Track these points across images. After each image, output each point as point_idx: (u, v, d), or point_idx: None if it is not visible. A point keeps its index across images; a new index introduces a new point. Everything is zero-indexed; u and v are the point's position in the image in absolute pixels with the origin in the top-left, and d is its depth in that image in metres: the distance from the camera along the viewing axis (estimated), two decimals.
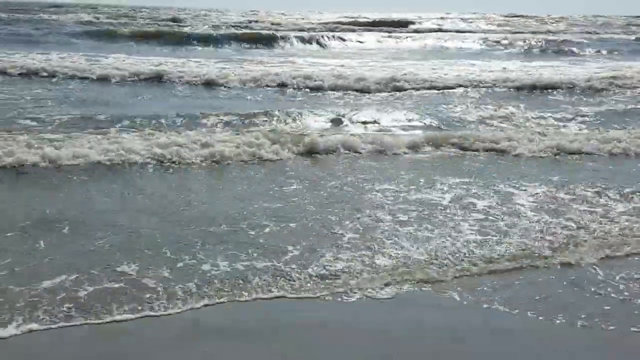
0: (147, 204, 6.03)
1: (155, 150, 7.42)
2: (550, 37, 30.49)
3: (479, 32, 35.43)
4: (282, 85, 13.51)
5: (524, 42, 27.76)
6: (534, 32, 36.29)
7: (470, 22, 46.83)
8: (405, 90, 13.55)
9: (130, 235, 5.18)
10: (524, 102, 12.54)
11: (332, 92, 13.11)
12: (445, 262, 4.79)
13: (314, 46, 25.43)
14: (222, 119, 9.59)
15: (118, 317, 3.87)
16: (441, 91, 13.76)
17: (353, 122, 10.09)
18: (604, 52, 25.19)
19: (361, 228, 5.46)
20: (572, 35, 33.15)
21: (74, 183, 6.56)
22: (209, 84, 13.47)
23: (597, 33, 36.06)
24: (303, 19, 43.74)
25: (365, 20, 43.52)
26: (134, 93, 12.34)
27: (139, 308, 3.99)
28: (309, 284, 4.39)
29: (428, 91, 13.70)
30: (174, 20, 37.30)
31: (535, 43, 27.39)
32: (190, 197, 6.24)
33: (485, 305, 4.17)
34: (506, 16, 58.67)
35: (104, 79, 13.44)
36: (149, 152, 7.35)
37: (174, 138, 7.94)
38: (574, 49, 25.66)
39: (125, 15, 39.15)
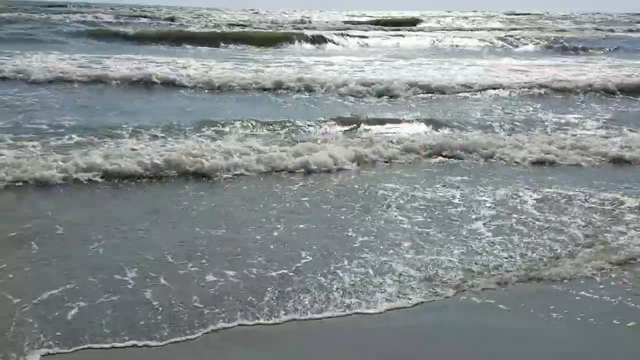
0: (150, 207, 5.82)
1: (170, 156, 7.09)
2: (559, 35, 30.20)
3: (485, 30, 35.12)
4: (288, 87, 12.95)
5: (533, 40, 27.40)
6: (539, 28, 36.04)
7: (473, 20, 46.58)
8: (434, 93, 12.99)
9: (130, 239, 4.96)
10: (548, 104, 12.17)
11: (353, 96, 12.44)
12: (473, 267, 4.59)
13: (330, 46, 24.87)
14: (236, 125, 9.10)
15: (106, 345, 3.50)
16: (468, 94, 13.18)
17: (371, 125, 9.70)
18: (613, 48, 25.00)
19: (375, 230, 5.27)
20: (581, 33, 32.89)
21: (80, 193, 6.24)
22: (220, 88, 12.87)
23: (603, 30, 35.82)
24: (308, 18, 43.37)
25: (370, 19, 43.24)
26: (140, 97, 11.93)
27: (131, 336, 3.59)
28: (329, 298, 4.07)
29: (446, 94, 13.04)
30: (172, 19, 37.03)
31: (545, 41, 26.98)
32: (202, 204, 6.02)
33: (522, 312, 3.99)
34: (508, 14, 58.49)
35: (110, 82, 12.85)
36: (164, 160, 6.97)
37: (188, 144, 7.70)
38: (585, 47, 25.31)
39: (127, 15, 38.84)
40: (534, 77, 14.97)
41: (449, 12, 62.65)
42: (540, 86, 13.70)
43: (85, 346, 3.49)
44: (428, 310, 4.03)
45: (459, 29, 36.68)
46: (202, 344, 3.57)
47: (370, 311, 3.96)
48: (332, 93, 12.66)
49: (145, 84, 13.03)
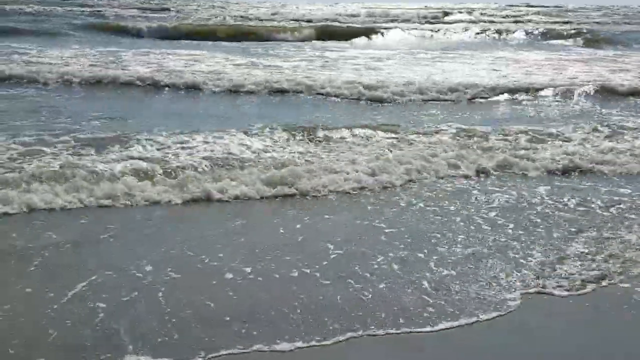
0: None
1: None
2: (590, 28, 29.75)
3: (506, 22, 34.79)
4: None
5: (566, 33, 27.14)
6: (566, 22, 35.59)
7: (492, 14, 45.97)
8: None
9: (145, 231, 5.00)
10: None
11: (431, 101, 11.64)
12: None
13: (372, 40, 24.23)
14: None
15: None
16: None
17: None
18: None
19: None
20: (605, 26, 32.36)
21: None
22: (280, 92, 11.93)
23: (627, 23, 35.35)
24: (315, 9, 42.90)
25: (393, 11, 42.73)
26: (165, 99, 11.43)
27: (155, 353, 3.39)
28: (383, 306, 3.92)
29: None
30: (177, 11, 36.82)
31: (576, 34, 26.72)
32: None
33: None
34: (528, 6, 57.81)
35: (135, 82, 12.12)
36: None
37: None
38: (615, 40, 24.92)
39: (141, 7, 38.63)
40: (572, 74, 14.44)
41: (461, 2, 61.85)
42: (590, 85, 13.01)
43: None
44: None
45: (489, 21, 36.26)
46: None
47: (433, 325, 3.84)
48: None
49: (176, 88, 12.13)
